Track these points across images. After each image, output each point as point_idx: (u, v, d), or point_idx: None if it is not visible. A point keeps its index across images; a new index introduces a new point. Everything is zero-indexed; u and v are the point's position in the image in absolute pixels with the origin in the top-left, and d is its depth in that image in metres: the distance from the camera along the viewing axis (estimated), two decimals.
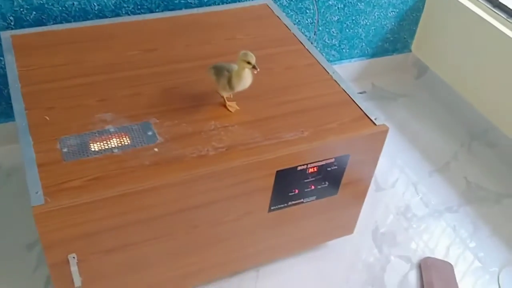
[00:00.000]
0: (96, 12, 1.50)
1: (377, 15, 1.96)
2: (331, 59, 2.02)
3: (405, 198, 1.67)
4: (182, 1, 1.59)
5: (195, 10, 1.53)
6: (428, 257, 1.48)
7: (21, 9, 1.41)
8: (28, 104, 1.12)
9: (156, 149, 1.06)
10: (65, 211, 0.94)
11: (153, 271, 1.16)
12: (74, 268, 1.01)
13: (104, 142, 1.06)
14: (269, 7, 1.56)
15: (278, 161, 1.10)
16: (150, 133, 1.09)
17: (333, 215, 1.33)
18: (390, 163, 1.78)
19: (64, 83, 1.19)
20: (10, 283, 1.29)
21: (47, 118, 1.09)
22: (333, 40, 1.96)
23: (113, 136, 1.07)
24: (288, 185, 1.17)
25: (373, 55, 2.10)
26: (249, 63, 1.10)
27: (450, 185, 1.72)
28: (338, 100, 1.26)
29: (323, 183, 1.22)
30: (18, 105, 1.11)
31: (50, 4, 1.43)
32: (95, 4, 1.48)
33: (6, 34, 1.31)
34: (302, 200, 1.22)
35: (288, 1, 1.76)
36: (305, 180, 1.18)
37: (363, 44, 2.04)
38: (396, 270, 1.45)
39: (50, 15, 1.45)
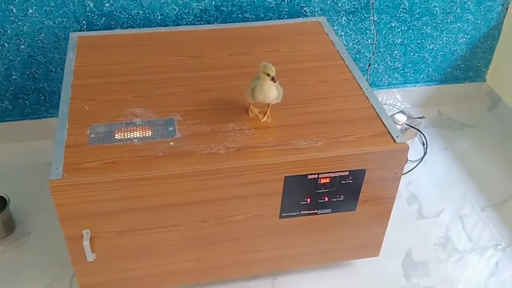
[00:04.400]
0: (158, 21, 1.64)
1: (445, 40, 1.90)
2: (394, 82, 1.98)
3: (448, 229, 1.58)
4: (240, 16, 1.68)
5: (248, 24, 1.61)
6: None
7: (93, 15, 1.58)
8: (74, 95, 1.26)
9: (171, 143, 1.14)
10: (78, 187, 1.04)
11: (165, 260, 1.23)
12: (86, 243, 1.11)
13: (128, 132, 1.16)
14: (321, 25, 1.60)
15: (286, 166, 1.12)
16: (171, 128, 1.17)
17: (354, 233, 1.31)
18: (440, 193, 1.70)
19: (109, 79, 1.32)
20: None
21: (86, 107, 1.22)
22: (396, 63, 1.93)
23: (138, 128, 1.17)
24: (299, 193, 1.18)
25: (442, 81, 2.03)
26: (268, 75, 1.13)
27: (502, 223, 1.60)
28: (364, 115, 1.25)
29: (338, 196, 1.21)
30: (65, 94, 1.26)
31: (118, 11, 1.59)
32: (158, 14, 1.62)
33: (75, 35, 1.48)
34: (315, 210, 1.23)
35: (347, 21, 1.77)
36: (318, 191, 1.19)
37: (430, 69, 1.98)
38: None
39: (118, 21, 1.61)
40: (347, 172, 1.17)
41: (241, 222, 1.20)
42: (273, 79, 1.13)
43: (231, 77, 1.35)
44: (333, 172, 1.16)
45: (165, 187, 1.09)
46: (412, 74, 1.98)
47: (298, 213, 1.22)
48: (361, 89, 1.33)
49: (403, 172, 1.43)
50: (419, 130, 1.85)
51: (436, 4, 1.80)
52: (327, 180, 1.17)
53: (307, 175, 1.15)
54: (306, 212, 1.22)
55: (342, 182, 1.18)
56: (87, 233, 1.11)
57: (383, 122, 1.22)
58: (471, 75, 2.04)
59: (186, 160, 1.10)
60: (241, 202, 1.16)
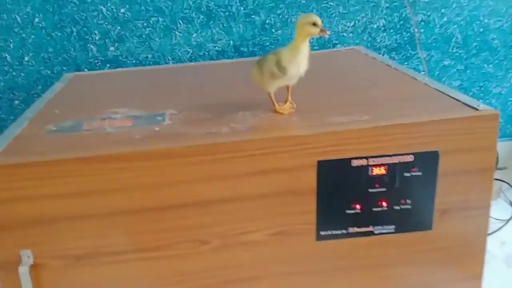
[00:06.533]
0: None
1: None
2: None
3: None
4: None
5: None
6: None
7: (96, 61, 1.40)
8: (47, 104, 1.00)
9: (157, 128, 0.82)
10: (14, 170, 0.72)
11: None
12: (24, 269, 0.74)
13: (102, 123, 0.85)
14: (359, 51, 1.34)
15: (318, 143, 0.76)
16: (159, 118, 0.87)
17: (432, 273, 0.87)
18: None
19: (96, 93, 1.07)
20: None
21: (56, 111, 0.95)
22: None
23: (115, 121, 0.87)
24: (342, 192, 0.79)
25: None
26: (314, 24, 0.78)
27: None
28: (425, 94, 0.91)
29: (402, 200, 0.81)
30: (35, 106, 1.00)
31: (124, 56, 1.40)
32: (169, 57, 1.42)
33: (70, 75, 1.28)
34: (371, 227, 0.82)
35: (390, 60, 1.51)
36: (370, 189, 0.80)
37: (501, 120, 1.62)
38: None
39: (124, 68, 1.41)
40: (412, 156, 0.79)
41: (258, 244, 0.80)
42: (322, 30, 0.79)
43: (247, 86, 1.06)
44: (390, 156, 0.79)
45: (141, 174, 0.74)
46: None
47: (344, 231, 0.81)
48: (417, 79, 1.00)
49: (490, 231, 1.00)
50: (505, 182, 1.43)
51: (494, 36, 1.53)
52: (382, 171, 0.79)
53: (350, 159, 0.78)
54: (357, 230, 0.81)
55: (405, 174, 0.80)
56: (28, 256, 0.75)
57: (453, 98, 0.87)
58: None
59: (172, 139, 0.77)
60: (254, 205, 0.78)
